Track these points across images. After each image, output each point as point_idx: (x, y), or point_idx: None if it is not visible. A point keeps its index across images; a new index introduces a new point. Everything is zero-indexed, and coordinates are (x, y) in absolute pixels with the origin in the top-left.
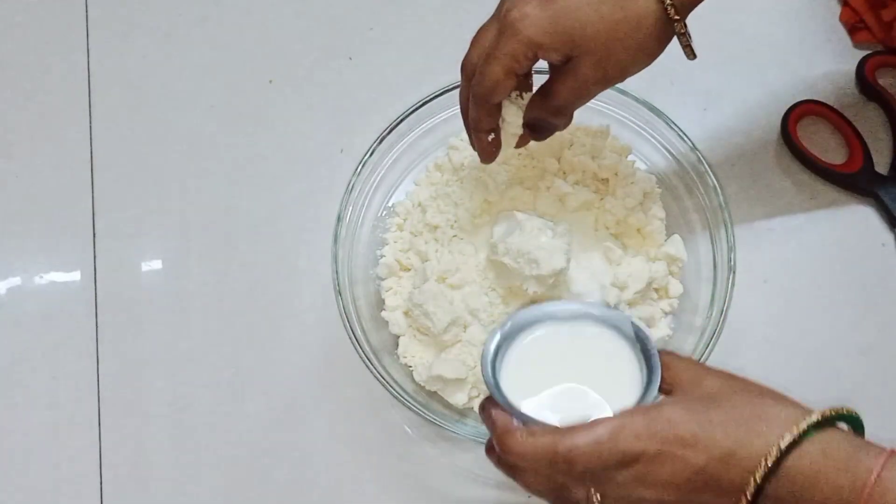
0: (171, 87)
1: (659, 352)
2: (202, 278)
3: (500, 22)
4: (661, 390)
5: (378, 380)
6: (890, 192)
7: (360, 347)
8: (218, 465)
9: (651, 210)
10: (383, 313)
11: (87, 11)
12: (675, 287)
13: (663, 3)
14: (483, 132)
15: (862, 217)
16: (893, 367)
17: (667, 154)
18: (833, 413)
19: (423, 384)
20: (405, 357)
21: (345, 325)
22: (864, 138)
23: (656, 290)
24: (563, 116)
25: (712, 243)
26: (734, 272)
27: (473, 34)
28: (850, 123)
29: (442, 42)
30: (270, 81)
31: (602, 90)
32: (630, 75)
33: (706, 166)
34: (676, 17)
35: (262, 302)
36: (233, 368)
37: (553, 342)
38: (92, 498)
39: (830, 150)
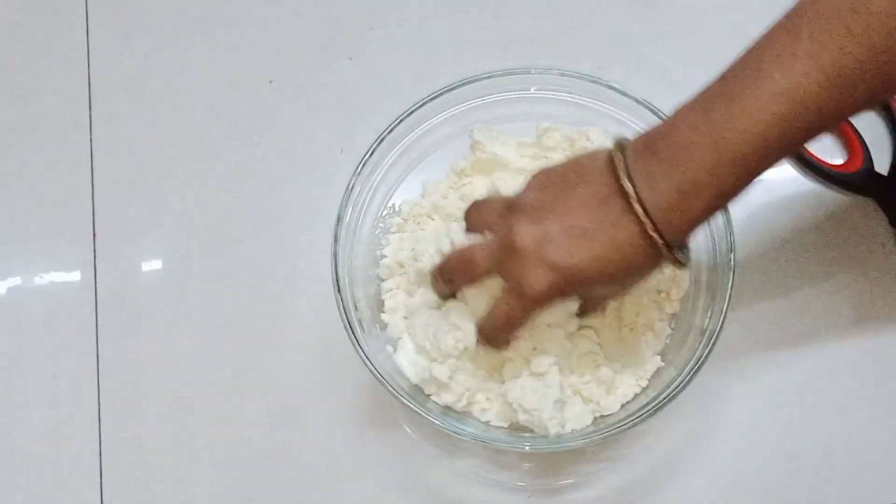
0: (172, 86)
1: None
2: (202, 278)
3: (512, 287)
4: None
5: (378, 380)
6: (890, 192)
7: (360, 347)
8: (218, 464)
9: None
10: (383, 315)
11: (87, 11)
12: (678, 290)
13: (663, 254)
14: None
15: (862, 217)
16: (893, 367)
17: None
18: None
19: (418, 385)
20: (402, 358)
21: (345, 326)
22: (864, 138)
23: (658, 292)
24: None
25: (712, 242)
26: (734, 273)
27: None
28: (849, 123)
29: (442, 42)
30: (270, 82)
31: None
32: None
33: None
34: (669, 255)
35: (263, 302)
36: (233, 368)
37: None
38: (92, 497)
39: (830, 150)
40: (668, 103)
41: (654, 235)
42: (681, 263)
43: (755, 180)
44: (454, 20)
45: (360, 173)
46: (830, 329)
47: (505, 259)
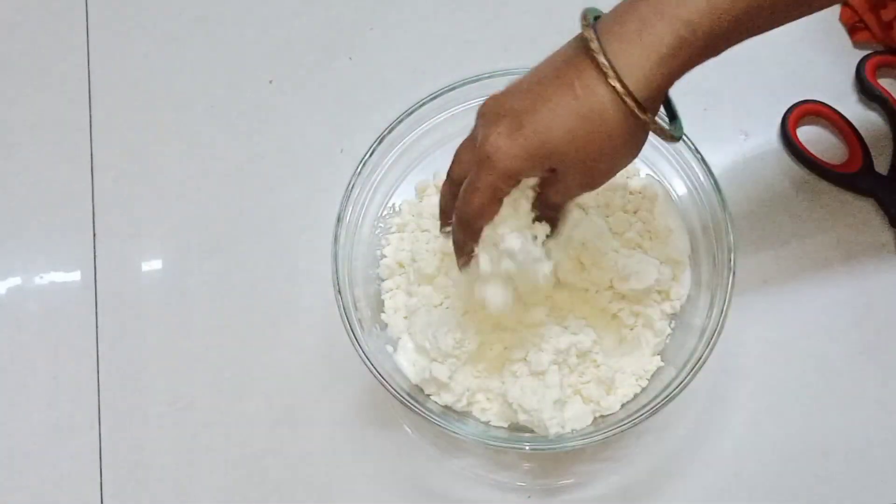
0: (172, 87)
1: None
2: (202, 278)
3: (476, 152)
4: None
5: (378, 380)
6: (890, 191)
7: (360, 347)
8: (218, 464)
9: (657, 211)
10: (383, 315)
11: (87, 11)
12: (678, 290)
13: (628, 107)
14: (466, 254)
15: (862, 217)
16: (893, 366)
17: (666, 154)
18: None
19: (418, 385)
20: (402, 358)
21: (345, 326)
22: (864, 138)
23: (659, 291)
24: (558, 212)
25: (713, 243)
26: (734, 273)
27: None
28: (849, 123)
29: (442, 42)
30: (270, 81)
31: (592, 190)
32: (617, 173)
33: (706, 167)
34: (645, 117)
35: (263, 302)
36: (233, 368)
37: None
38: (92, 496)
39: (830, 150)
40: None
41: (629, 101)
42: (671, 136)
43: (741, 23)
44: (454, 20)
45: (360, 173)
46: (830, 329)
47: (476, 137)
